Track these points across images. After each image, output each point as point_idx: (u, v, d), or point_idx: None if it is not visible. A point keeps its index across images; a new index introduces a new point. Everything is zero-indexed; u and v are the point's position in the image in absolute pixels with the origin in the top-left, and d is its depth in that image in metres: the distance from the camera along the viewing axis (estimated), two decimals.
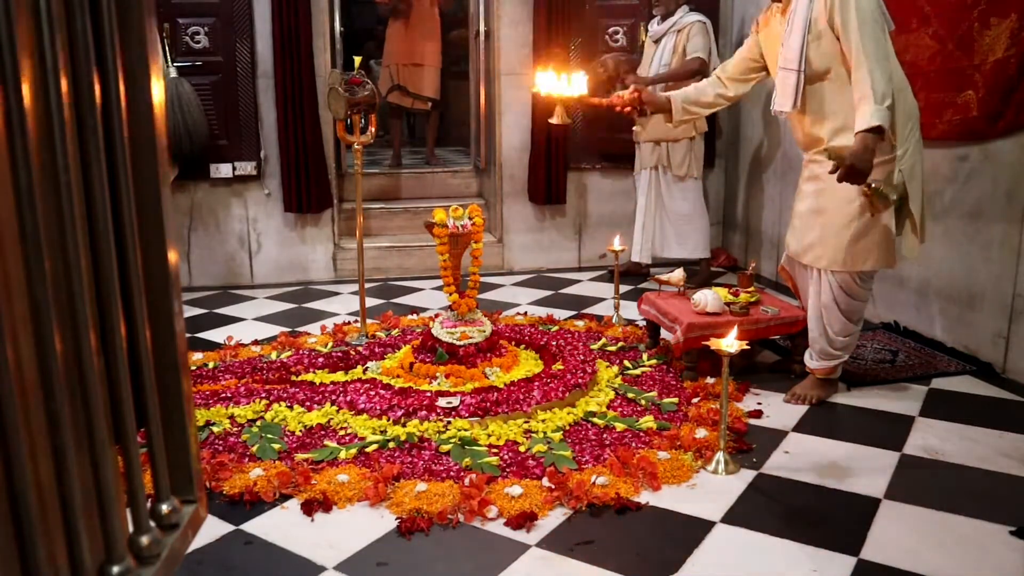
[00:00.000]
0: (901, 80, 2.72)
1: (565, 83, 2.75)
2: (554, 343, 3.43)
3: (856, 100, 2.56)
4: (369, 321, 3.91)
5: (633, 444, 2.57)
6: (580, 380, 2.97)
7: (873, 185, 2.50)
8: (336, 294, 4.73)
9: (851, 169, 2.49)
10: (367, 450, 2.53)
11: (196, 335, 3.89)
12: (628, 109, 2.96)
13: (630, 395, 2.98)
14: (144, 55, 0.73)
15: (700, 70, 4.46)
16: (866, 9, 2.58)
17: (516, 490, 2.24)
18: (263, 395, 2.95)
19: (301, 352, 3.49)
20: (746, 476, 2.40)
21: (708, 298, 3.15)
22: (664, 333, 3.40)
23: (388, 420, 2.70)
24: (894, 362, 3.33)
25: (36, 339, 0.59)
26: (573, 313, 4.21)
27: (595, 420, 2.74)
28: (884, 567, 1.94)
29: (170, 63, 4.46)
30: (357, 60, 3.56)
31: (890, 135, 2.66)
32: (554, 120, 2.79)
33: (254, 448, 2.56)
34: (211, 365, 3.38)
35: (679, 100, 3.03)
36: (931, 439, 2.63)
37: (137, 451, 0.71)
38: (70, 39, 0.63)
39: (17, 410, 0.55)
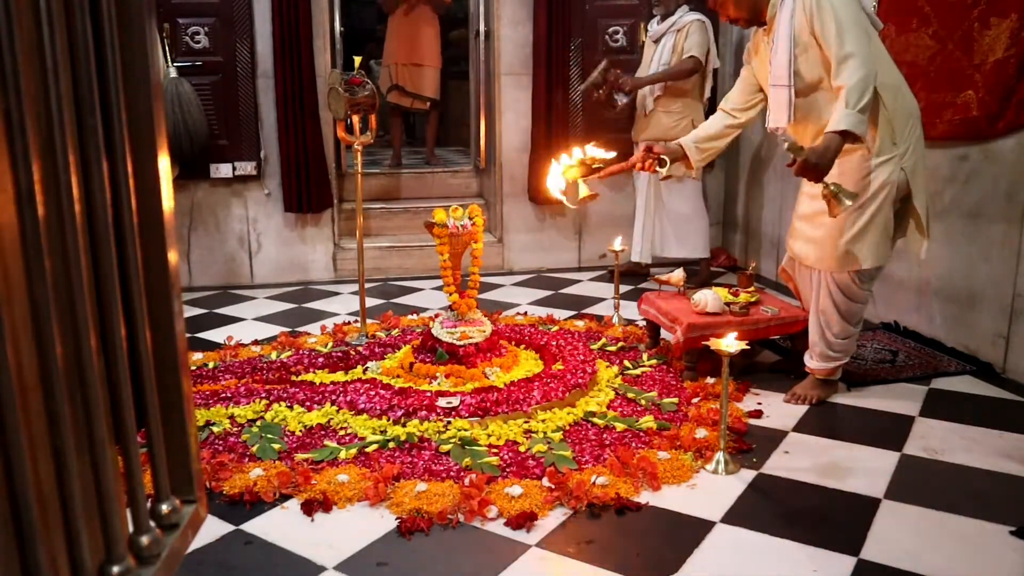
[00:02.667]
0: (896, 79, 2.72)
1: (581, 158, 2.82)
2: (554, 343, 3.43)
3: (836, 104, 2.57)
4: (369, 321, 3.91)
5: (633, 444, 2.57)
6: (580, 380, 2.97)
7: (832, 187, 2.49)
8: (336, 294, 4.73)
9: (807, 164, 2.49)
10: (367, 450, 2.53)
11: (196, 335, 3.89)
12: (643, 165, 2.98)
13: (630, 395, 2.98)
14: (144, 55, 0.73)
15: (695, 69, 4.46)
16: (843, 13, 2.57)
17: (516, 490, 2.24)
18: (263, 395, 2.95)
19: (301, 352, 3.49)
20: (746, 476, 2.40)
21: (708, 298, 3.15)
22: (664, 333, 3.40)
23: (388, 420, 2.70)
24: (894, 362, 3.33)
25: (36, 339, 0.59)
26: (573, 313, 4.21)
27: (595, 420, 2.74)
28: (884, 567, 1.94)
29: (170, 63, 4.46)
30: (357, 60, 3.56)
31: (891, 132, 2.66)
32: (583, 196, 2.84)
33: (254, 448, 2.56)
34: (211, 365, 3.38)
35: (690, 143, 3.01)
36: (931, 439, 2.63)
37: (137, 451, 0.71)
38: (70, 39, 0.63)
39: (17, 410, 0.55)
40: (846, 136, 2.50)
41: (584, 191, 2.84)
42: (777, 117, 2.81)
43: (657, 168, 2.97)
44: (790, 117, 2.76)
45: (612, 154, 2.88)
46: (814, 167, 2.50)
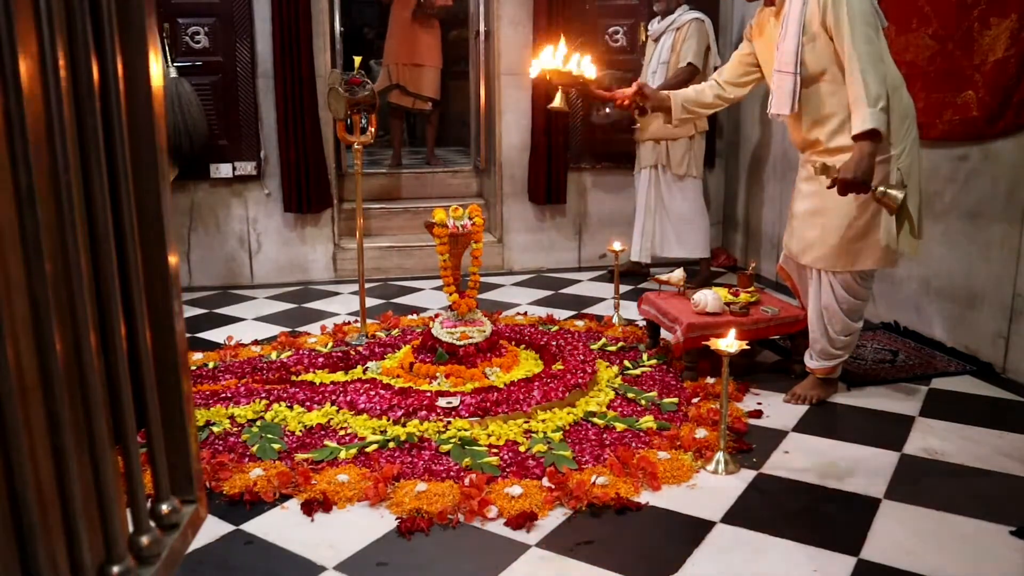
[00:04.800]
0: (896, 79, 2.71)
1: (570, 64, 2.67)
2: (554, 343, 3.43)
3: (851, 103, 2.56)
4: (369, 321, 3.91)
5: (633, 444, 2.57)
6: (580, 380, 2.97)
7: (880, 189, 2.49)
8: (336, 294, 4.73)
9: (847, 182, 2.49)
10: (367, 450, 2.53)
11: (196, 335, 3.89)
12: (627, 103, 2.97)
13: (630, 395, 2.98)
14: (144, 55, 0.73)
15: (691, 77, 4.47)
16: (858, 9, 2.57)
17: (516, 490, 2.24)
18: (263, 395, 2.95)
19: (301, 352, 3.49)
20: (746, 476, 2.40)
21: (708, 298, 3.15)
22: (664, 333, 3.40)
23: (388, 420, 2.70)
24: (894, 362, 3.33)
25: (36, 339, 0.59)
26: (573, 313, 4.21)
27: (595, 420, 2.74)
28: (884, 567, 1.94)
29: (170, 63, 4.46)
30: (357, 60, 3.56)
31: (887, 133, 2.66)
32: (554, 105, 2.74)
33: (254, 448, 2.56)
34: (211, 365, 3.37)
35: (679, 99, 3.04)
36: (931, 439, 2.63)
37: (137, 451, 0.71)
38: (70, 39, 0.63)
39: (17, 410, 0.55)
40: (872, 136, 2.49)
41: (558, 102, 2.73)
42: (780, 104, 2.80)
43: (637, 115, 2.98)
44: (793, 106, 2.75)
45: (590, 72, 2.74)
46: (853, 181, 2.48)
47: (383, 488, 2.28)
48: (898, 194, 2.47)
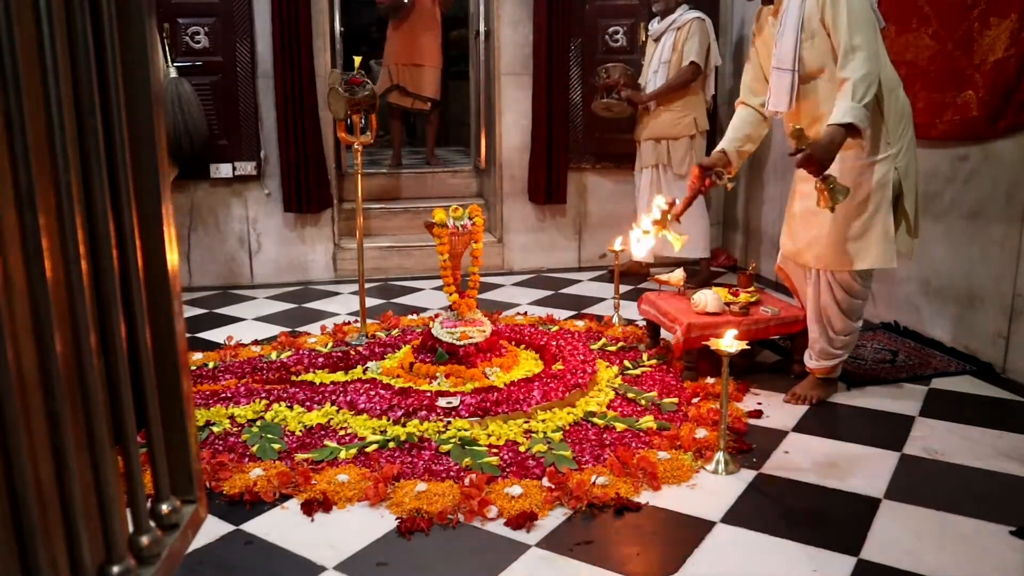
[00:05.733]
0: (893, 79, 2.72)
1: (659, 218, 2.97)
2: (554, 343, 3.43)
3: (837, 94, 2.56)
4: (369, 321, 3.91)
5: (633, 444, 2.57)
6: (580, 380, 2.97)
7: (831, 180, 2.50)
8: (336, 294, 4.73)
9: (811, 157, 2.49)
10: (367, 450, 2.53)
11: (196, 335, 3.89)
12: (705, 187, 3.01)
13: (630, 395, 2.98)
14: (144, 55, 0.73)
15: (695, 76, 4.48)
16: (857, 6, 2.58)
17: (516, 490, 2.24)
18: (263, 395, 2.95)
19: (301, 352, 3.49)
20: (746, 476, 2.40)
21: (708, 298, 3.15)
22: (664, 333, 3.40)
23: (388, 420, 2.70)
24: (894, 362, 3.33)
25: (36, 339, 0.59)
26: (573, 313, 4.21)
27: (595, 420, 2.74)
28: (884, 567, 1.94)
29: (170, 63, 4.46)
30: (357, 60, 3.56)
31: (885, 132, 2.66)
32: (680, 243, 2.96)
33: (254, 448, 2.56)
34: (211, 365, 3.37)
35: (732, 152, 2.99)
36: (931, 439, 2.63)
37: (137, 451, 0.71)
38: (70, 39, 0.63)
39: (17, 410, 0.55)
40: (849, 130, 2.49)
41: (674, 238, 2.95)
42: (777, 101, 2.80)
43: (717, 181, 2.99)
44: (791, 102, 2.76)
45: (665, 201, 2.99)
46: (817, 160, 2.49)
47: (383, 488, 2.28)
48: (840, 197, 2.48)
